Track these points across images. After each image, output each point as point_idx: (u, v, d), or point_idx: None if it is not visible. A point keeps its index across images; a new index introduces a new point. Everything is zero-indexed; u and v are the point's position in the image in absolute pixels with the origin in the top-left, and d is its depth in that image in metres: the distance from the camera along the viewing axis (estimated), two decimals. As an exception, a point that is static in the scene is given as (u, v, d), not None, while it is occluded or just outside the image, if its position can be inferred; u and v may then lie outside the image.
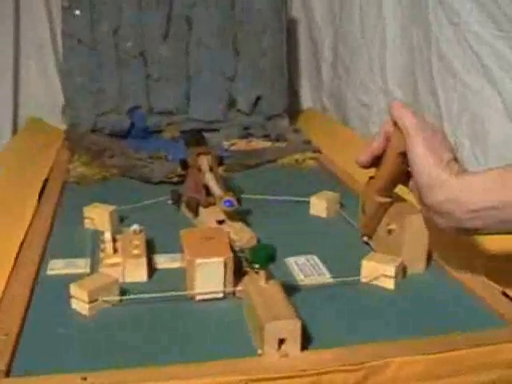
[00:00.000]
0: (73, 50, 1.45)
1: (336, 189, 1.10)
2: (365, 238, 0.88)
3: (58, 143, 1.45)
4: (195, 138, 1.05)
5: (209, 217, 0.93)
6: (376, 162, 0.75)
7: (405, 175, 0.73)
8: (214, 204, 0.93)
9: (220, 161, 0.99)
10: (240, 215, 0.93)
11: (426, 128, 0.66)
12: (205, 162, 0.98)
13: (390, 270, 0.79)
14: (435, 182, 0.63)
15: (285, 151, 1.40)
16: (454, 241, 0.82)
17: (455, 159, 0.64)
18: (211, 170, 0.97)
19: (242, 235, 0.87)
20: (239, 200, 0.92)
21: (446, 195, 0.62)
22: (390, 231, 0.84)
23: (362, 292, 0.77)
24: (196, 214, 0.96)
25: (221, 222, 0.92)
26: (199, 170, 0.97)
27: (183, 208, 1.00)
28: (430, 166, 0.63)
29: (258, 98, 1.61)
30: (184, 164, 1.00)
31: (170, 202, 1.03)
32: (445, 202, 0.62)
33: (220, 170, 1.01)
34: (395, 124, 0.69)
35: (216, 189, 0.93)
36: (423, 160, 0.64)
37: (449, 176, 0.62)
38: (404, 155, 0.69)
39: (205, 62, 1.56)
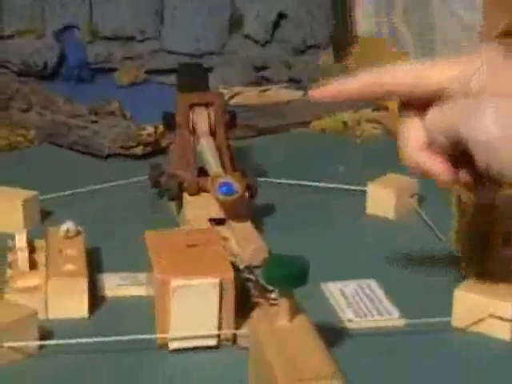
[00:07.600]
0: None
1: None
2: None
3: None
4: (191, 75, 0.96)
5: (197, 211, 0.85)
6: None
7: None
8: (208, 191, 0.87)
9: (231, 118, 0.91)
10: (250, 211, 0.86)
11: None
12: (203, 118, 0.89)
13: (505, 308, 0.71)
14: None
15: (326, 107, 1.28)
16: None
17: None
18: (213, 133, 0.89)
19: (245, 245, 0.81)
20: (252, 187, 0.85)
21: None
22: (505, 241, 0.75)
23: (454, 345, 0.70)
24: (179, 204, 0.89)
25: (217, 222, 0.85)
26: (192, 132, 0.90)
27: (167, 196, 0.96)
28: None
29: (281, 16, 1.47)
30: (170, 121, 0.91)
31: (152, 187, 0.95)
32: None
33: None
34: None
35: (212, 163, 0.85)
36: None
37: None
38: None
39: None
